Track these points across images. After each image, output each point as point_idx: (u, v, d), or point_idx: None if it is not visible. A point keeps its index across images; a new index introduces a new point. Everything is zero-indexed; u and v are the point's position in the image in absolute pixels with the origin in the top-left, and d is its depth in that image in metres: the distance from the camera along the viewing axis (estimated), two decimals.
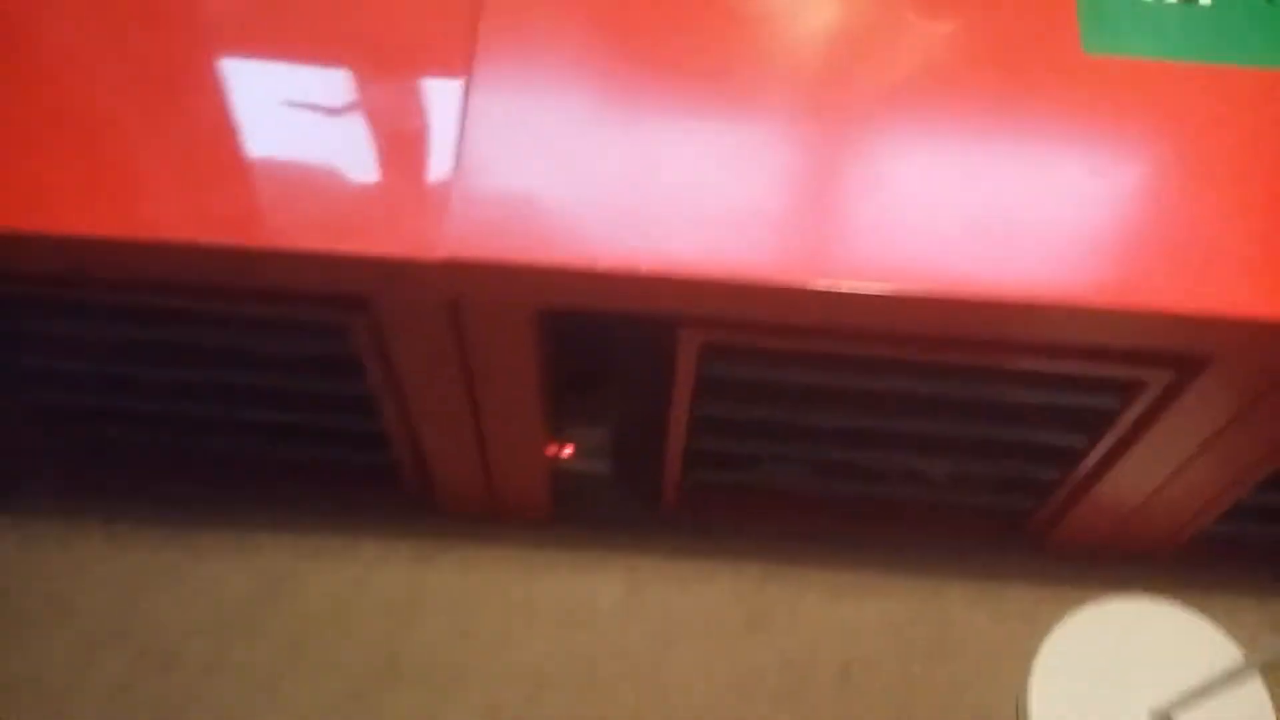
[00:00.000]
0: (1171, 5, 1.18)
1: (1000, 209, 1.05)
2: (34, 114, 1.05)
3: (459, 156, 1.04)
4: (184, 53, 1.09)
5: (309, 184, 1.02)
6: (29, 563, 1.44)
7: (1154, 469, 1.30)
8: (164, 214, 1.00)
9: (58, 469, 1.48)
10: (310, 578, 1.44)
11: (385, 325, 1.11)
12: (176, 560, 1.44)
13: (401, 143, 1.05)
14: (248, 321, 1.17)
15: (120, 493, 1.48)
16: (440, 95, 1.08)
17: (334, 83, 1.08)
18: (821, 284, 1.00)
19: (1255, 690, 1.41)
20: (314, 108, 1.07)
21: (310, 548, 1.46)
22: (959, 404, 1.25)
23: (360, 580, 1.44)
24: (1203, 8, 1.18)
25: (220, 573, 1.44)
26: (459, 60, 1.09)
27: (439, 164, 1.03)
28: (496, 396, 1.21)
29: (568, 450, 1.47)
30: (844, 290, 1.00)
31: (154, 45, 1.09)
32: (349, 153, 1.04)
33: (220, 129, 1.05)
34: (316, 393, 1.29)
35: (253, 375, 1.27)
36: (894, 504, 1.48)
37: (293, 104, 1.07)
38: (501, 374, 1.17)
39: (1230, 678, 1.26)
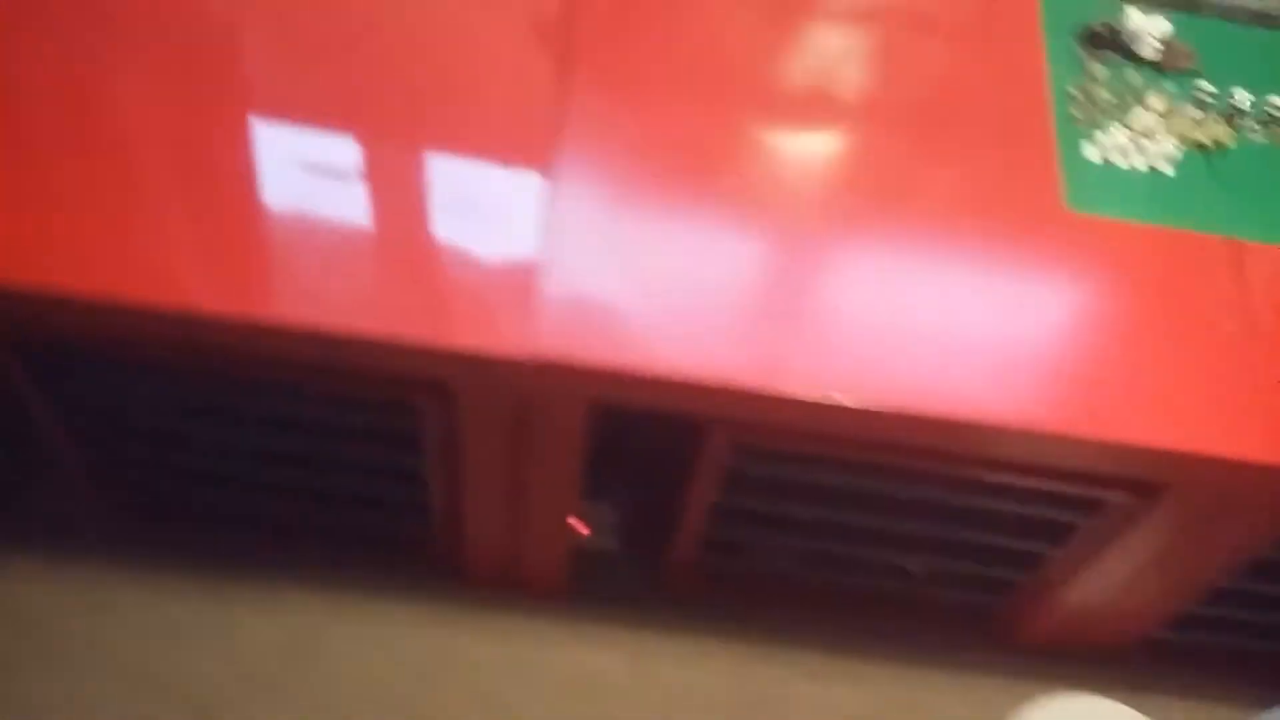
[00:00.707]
0: (1143, 174, 1.38)
1: (986, 341, 1.22)
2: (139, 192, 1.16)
3: (542, 256, 1.17)
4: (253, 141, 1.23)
5: (406, 272, 1.15)
6: (72, 607, 1.52)
7: (1109, 578, 1.44)
8: (267, 292, 1.12)
9: (108, 520, 1.57)
10: (337, 637, 1.54)
11: (455, 409, 1.23)
12: (212, 612, 1.53)
13: (486, 240, 1.18)
14: (315, 394, 1.29)
15: (163, 544, 1.58)
16: (523, 196, 1.21)
17: (421, 178, 1.22)
18: (845, 400, 1.15)
19: None
20: (406, 199, 1.20)
21: (338, 608, 1.56)
22: (939, 508, 1.40)
23: (384, 642, 1.54)
24: (1168, 178, 1.38)
25: (252, 628, 1.53)
26: (540, 162, 1.23)
27: (522, 263, 1.16)
28: (541, 478, 1.34)
29: (584, 528, 1.60)
30: (868, 408, 1.16)
31: (232, 133, 1.22)
32: (437, 246, 1.17)
33: (315, 216, 1.16)
34: (370, 463, 1.41)
35: (309, 443, 1.38)
36: (876, 594, 1.61)
37: (385, 193, 1.19)
38: (549, 458, 1.30)
39: None
